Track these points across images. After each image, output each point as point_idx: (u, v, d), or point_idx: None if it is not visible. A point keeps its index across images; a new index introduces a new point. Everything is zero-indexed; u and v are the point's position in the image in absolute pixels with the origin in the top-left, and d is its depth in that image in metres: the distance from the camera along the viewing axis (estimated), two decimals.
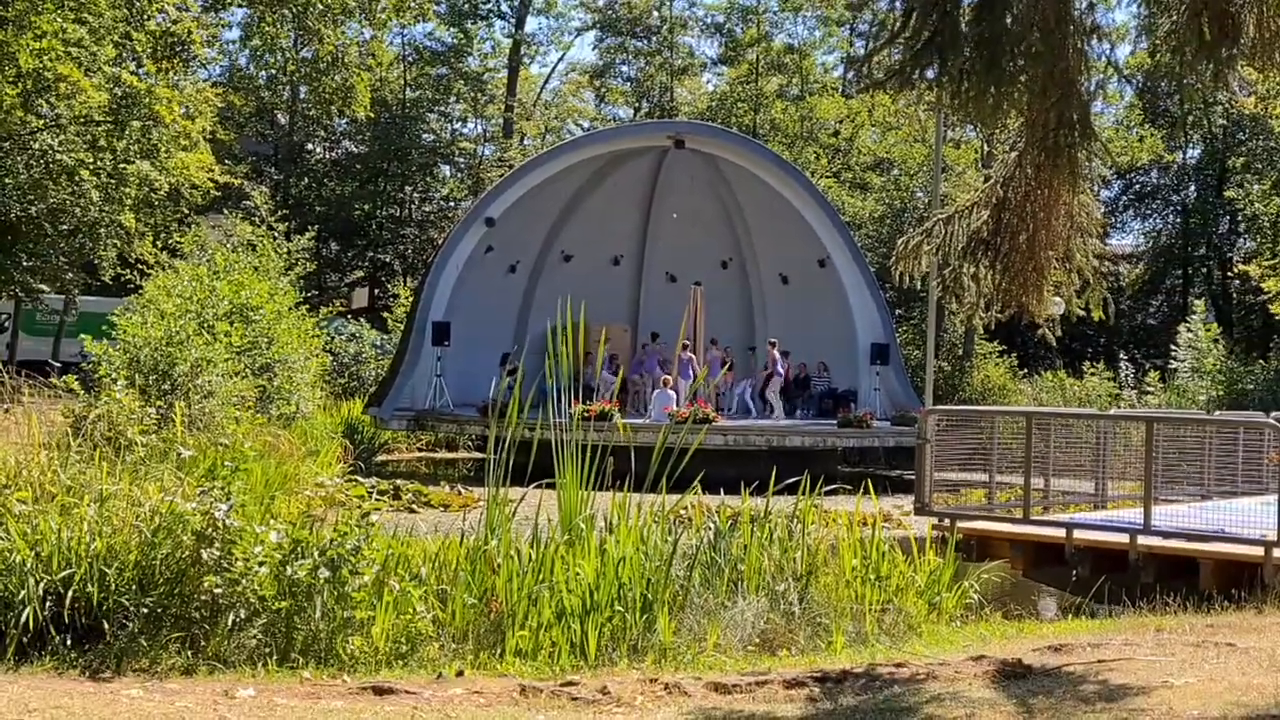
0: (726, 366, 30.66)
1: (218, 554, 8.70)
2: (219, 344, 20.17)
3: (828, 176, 49.10)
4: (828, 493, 12.86)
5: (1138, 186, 53.96)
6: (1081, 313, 10.42)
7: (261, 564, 8.71)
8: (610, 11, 58.02)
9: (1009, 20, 7.15)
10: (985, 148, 43.55)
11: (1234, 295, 50.86)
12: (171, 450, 13.16)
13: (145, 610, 8.54)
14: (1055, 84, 7.32)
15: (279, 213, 33.75)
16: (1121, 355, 43.34)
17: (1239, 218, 46.73)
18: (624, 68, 59.81)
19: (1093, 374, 40.46)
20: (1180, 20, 8.08)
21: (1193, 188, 52.17)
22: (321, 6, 14.29)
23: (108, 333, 19.48)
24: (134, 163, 28.32)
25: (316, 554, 8.82)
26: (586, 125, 58.18)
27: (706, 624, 9.71)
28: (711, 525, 11.40)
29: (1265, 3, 8.73)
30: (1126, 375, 41.11)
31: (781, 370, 31.82)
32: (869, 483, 14.49)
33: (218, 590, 8.55)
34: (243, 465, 10.86)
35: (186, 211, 33.28)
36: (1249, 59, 9.22)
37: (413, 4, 15.73)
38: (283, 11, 14.50)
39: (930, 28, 7.35)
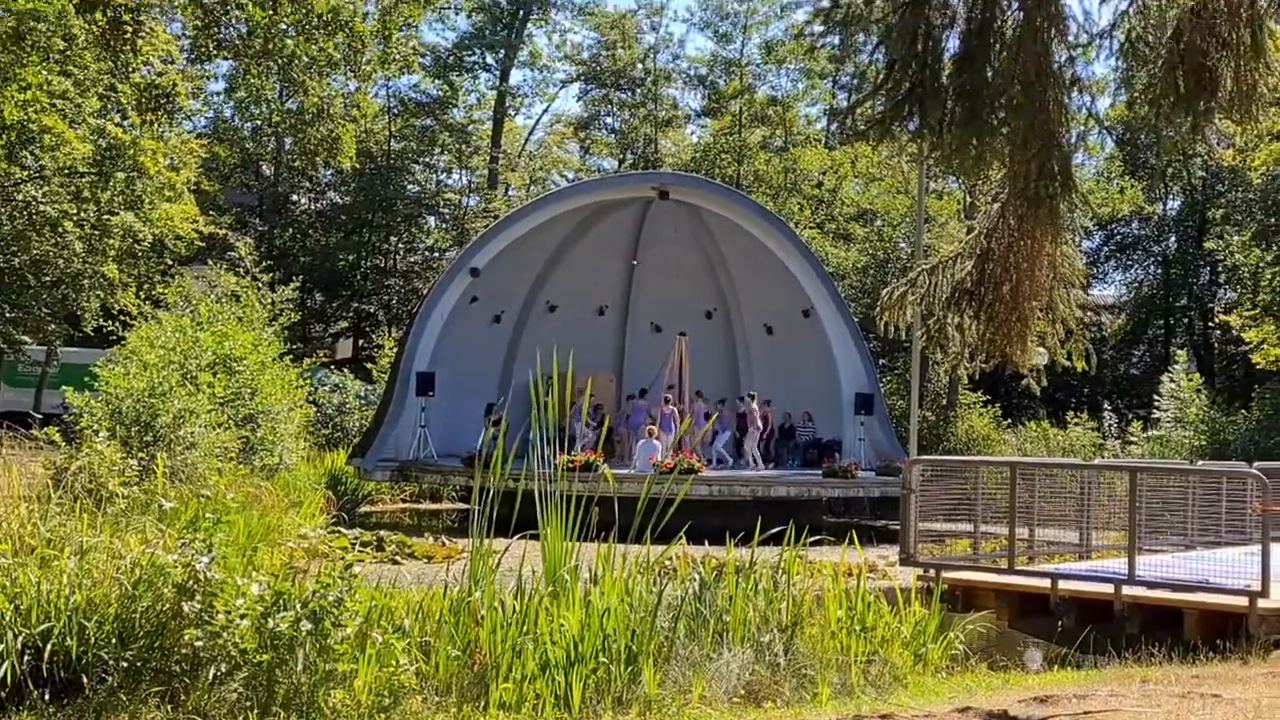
0: (713, 418, 30.62)
1: (199, 607, 8.63)
2: (202, 395, 20.13)
3: (811, 227, 49.30)
4: (813, 543, 12.82)
5: (1119, 237, 54.33)
6: (1066, 363, 10.45)
7: (243, 616, 8.63)
8: (595, 64, 58.43)
9: (989, 73, 7.21)
10: (968, 199, 43.83)
11: (1215, 345, 51.12)
12: (153, 502, 13.09)
13: (125, 664, 8.46)
14: (1036, 135, 7.38)
15: (263, 263, 33.78)
16: (1105, 405, 43.48)
17: (1219, 268, 47.05)
18: (608, 119, 60.19)
19: (1076, 424, 40.57)
20: (1158, 73, 8.17)
21: (1173, 239, 52.57)
22: (307, 59, 14.34)
23: (90, 384, 19.43)
24: (118, 214, 28.35)
25: (299, 606, 8.75)
26: (571, 176, 58.43)
27: (691, 675, 9.65)
28: (696, 576, 11.36)
29: (1242, 56, 8.83)
30: (1110, 425, 41.24)
31: (760, 423, 31.79)
32: (854, 533, 14.47)
33: (199, 643, 8.47)
34: (225, 517, 10.80)
35: (170, 262, 33.27)
36: (1226, 112, 9.31)
37: (398, 56, 15.78)
38: (268, 64, 14.54)
39: (911, 79, 7.41)
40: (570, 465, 20.41)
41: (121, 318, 28.74)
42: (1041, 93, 7.29)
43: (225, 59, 16.04)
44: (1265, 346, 36.82)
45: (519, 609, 9.81)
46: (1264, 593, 11.79)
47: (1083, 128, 8.79)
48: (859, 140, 8.18)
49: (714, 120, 58.04)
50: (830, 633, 10.89)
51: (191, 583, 8.74)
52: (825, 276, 34.94)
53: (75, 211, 27.25)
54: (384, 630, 9.08)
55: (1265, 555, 11.93)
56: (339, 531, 20.69)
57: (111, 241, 28.59)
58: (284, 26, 13.88)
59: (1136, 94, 8.61)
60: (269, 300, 29.80)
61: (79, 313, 30.69)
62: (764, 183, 51.88)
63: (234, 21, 13.56)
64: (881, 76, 7.53)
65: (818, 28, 7.91)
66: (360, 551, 10.20)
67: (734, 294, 36.07)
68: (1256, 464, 17.81)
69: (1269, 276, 37.19)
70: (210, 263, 35.95)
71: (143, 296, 30.48)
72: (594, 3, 58.85)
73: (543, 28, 57.80)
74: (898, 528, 15.98)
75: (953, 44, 7.60)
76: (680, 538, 11.46)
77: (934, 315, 10.52)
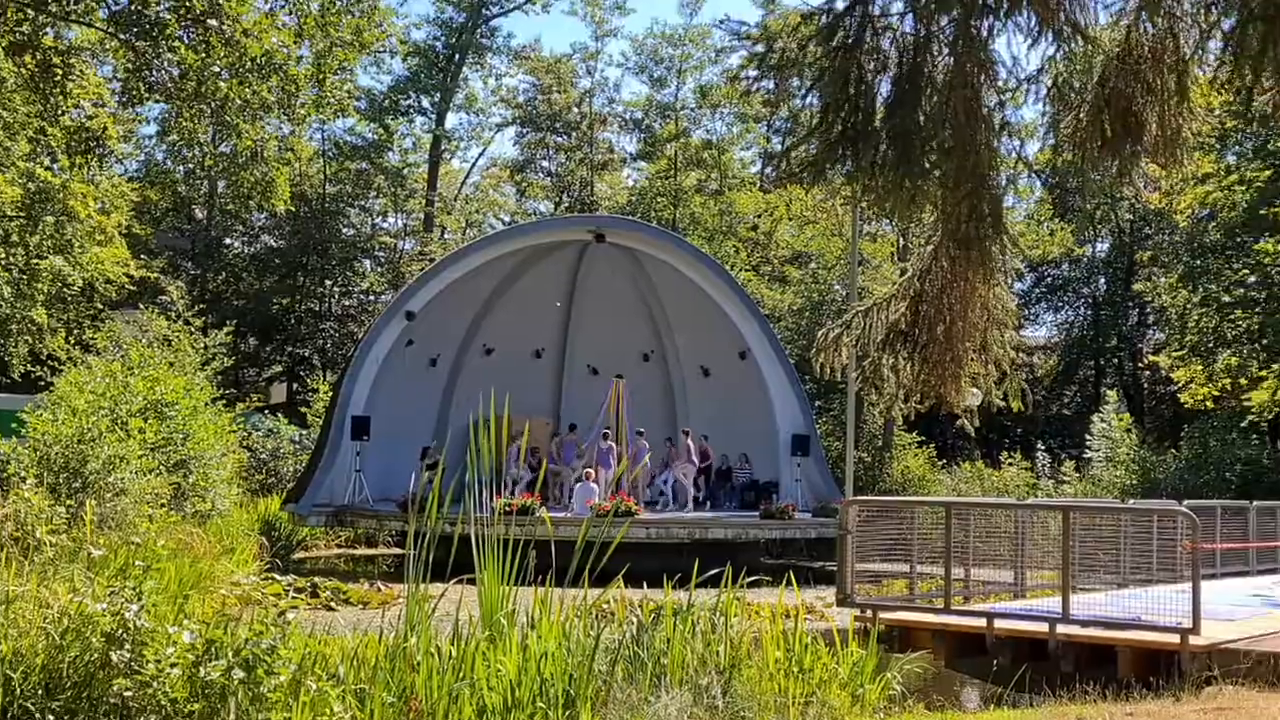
0: (646, 456, 30.60)
1: (128, 656, 8.46)
2: (132, 441, 19.84)
3: (747, 270, 49.63)
4: (750, 585, 12.80)
5: (1049, 279, 55.13)
6: (1001, 403, 10.55)
7: (174, 665, 8.47)
8: (530, 107, 58.60)
9: (921, 116, 7.30)
10: (901, 241, 44.34)
11: (1145, 385, 51.92)
12: (82, 550, 12.87)
13: (52, 715, 8.27)
14: (967, 178, 7.47)
15: (196, 307, 33.44)
16: (1038, 445, 43.98)
17: (1148, 310, 47.87)
18: (544, 162, 60.39)
19: (1010, 464, 40.99)
20: (1084, 118, 8.31)
21: (1102, 280, 53.42)
22: (240, 102, 14.27)
23: (17, 430, 19.11)
24: (47, 258, 28.02)
25: (231, 654, 8.60)
26: (507, 219, 58.48)
27: (630, 719, 9.59)
28: (634, 619, 11.30)
29: (1166, 102, 9.00)
30: (1043, 465, 41.73)
31: (698, 458, 31.83)
32: (791, 574, 14.46)
33: (128, 693, 8.30)
34: (155, 565, 10.62)
35: (100, 307, 32.91)
36: (1151, 156, 9.48)
37: (333, 100, 15.75)
38: (201, 108, 14.45)
39: (844, 122, 7.49)
40: (507, 508, 20.33)
41: (50, 363, 28.33)
42: (971, 136, 7.39)
43: (157, 102, 15.95)
44: (1193, 386, 37.43)
45: (455, 654, 9.71)
46: (1195, 630, 11.90)
47: (1012, 170, 8.91)
48: (793, 183, 8.23)
49: (650, 163, 58.41)
50: (768, 674, 10.85)
51: (121, 631, 8.57)
52: (761, 319, 35.14)
53: (3, 255, 26.89)
54: (318, 678, 8.95)
55: (1195, 593, 12.05)
56: (272, 578, 20.53)
57: (40, 285, 28.25)
58: (217, 70, 13.82)
59: (1064, 138, 8.74)
60: (201, 345, 29.49)
61: (6, 358, 30.25)
62: (700, 225, 52.21)
63: (166, 65, 13.48)
64: (815, 120, 7.60)
65: (752, 72, 7.98)
66: (295, 598, 10.04)
67: (670, 336, 36.17)
68: (1186, 503, 18.07)
69: (1196, 317, 37.83)
70: (141, 307, 35.57)
71: (72, 341, 30.08)
72: (529, 47, 59.14)
73: (478, 71, 57.97)
74: (834, 569, 16.01)
75: (885, 88, 7.70)
76: (618, 581, 11.40)
77: (869, 356, 10.60)
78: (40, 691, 8.40)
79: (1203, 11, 7.55)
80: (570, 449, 31.48)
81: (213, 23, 12.67)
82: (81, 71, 15.39)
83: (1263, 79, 6.67)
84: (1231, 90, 7.93)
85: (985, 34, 7.90)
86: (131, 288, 33.87)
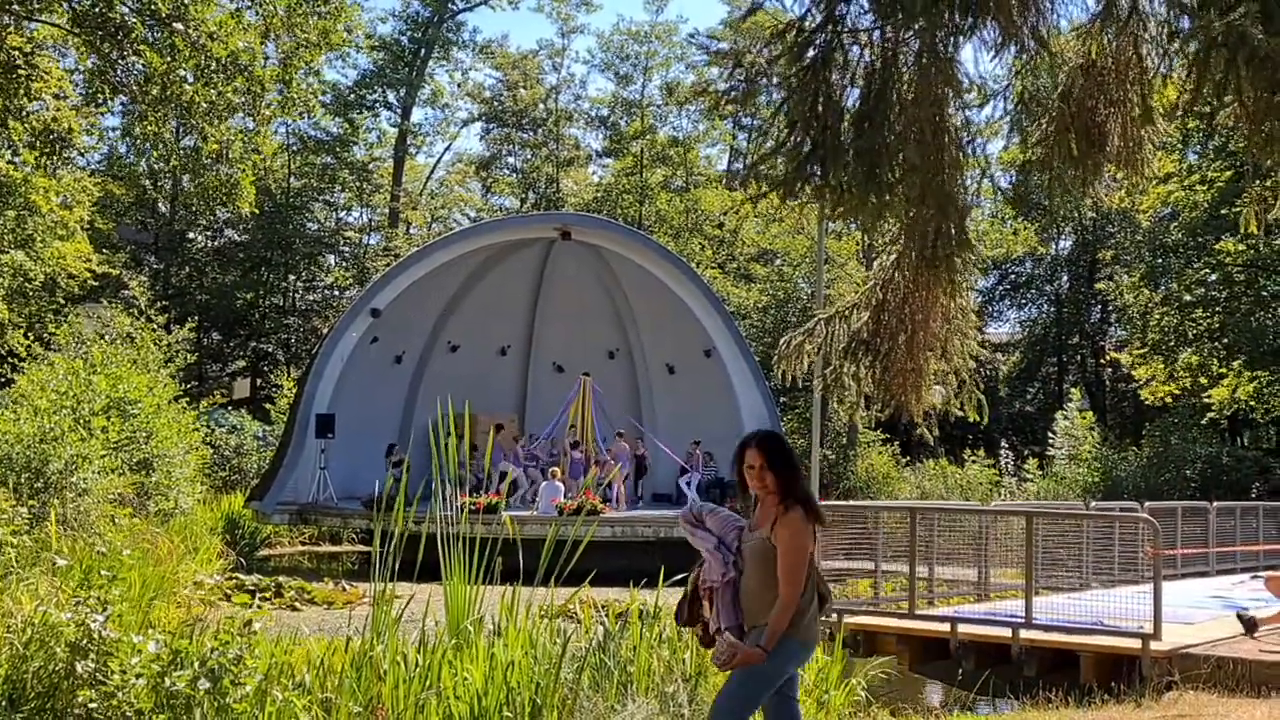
0: (611, 459, 30.64)
1: (93, 666, 8.43)
2: (95, 440, 19.70)
3: (713, 267, 49.72)
4: None
5: (1013, 276, 55.48)
6: (959, 413, 10.63)
7: (139, 676, 8.45)
8: (496, 103, 58.48)
9: (888, 133, 7.35)
10: (866, 240, 44.49)
11: (1107, 383, 52.32)
12: (44, 551, 12.79)
13: None
14: (932, 195, 7.53)
15: (159, 303, 33.22)
16: (1002, 443, 44.27)
17: (1110, 308, 48.22)
18: (510, 158, 60.29)
19: (974, 462, 41.24)
20: (1050, 132, 8.38)
21: (1065, 278, 53.80)
22: (205, 104, 14.18)
23: None
24: (8, 252, 27.78)
25: (196, 664, 8.58)
26: (473, 215, 58.35)
27: None
28: (601, 624, 11.32)
29: (1129, 114, 9.09)
30: (1007, 463, 42.00)
31: (629, 461, 31.73)
32: None
33: (92, 704, 8.27)
34: (120, 573, 10.57)
35: (62, 302, 32.63)
36: (1114, 164, 9.57)
37: (298, 100, 15.68)
38: (165, 110, 14.35)
39: (813, 139, 7.53)
40: (473, 508, 20.31)
41: (10, 360, 28.08)
42: (937, 153, 7.45)
43: (122, 97, 15.83)
44: (1154, 383, 37.78)
45: (422, 663, 9.71)
46: (1156, 635, 12.04)
47: (977, 186, 8.98)
48: (761, 200, 8.26)
49: (616, 160, 58.41)
50: None
51: (85, 641, 8.54)
52: (727, 316, 35.22)
53: None
54: (284, 687, 8.94)
55: (1157, 599, 12.19)
56: (236, 577, 20.45)
57: (1, 280, 27.97)
58: (182, 72, 13.73)
59: (1029, 151, 8.82)
60: (164, 342, 29.31)
61: None
62: (666, 223, 52.27)
63: (131, 67, 13.39)
64: (783, 135, 7.64)
65: (721, 85, 8.00)
66: (259, 599, 10.01)
67: (636, 334, 36.20)
68: (1148, 505, 18.27)
69: (1157, 316, 38.18)
70: (104, 302, 35.33)
71: (32, 337, 29.81)
72: (496, 42, 59.02)
73: (445, 66, 57.81)
74: None
75: (852, 103, 7.74)
76: (585, 585, 11.42)
77: (831, 364, 10.65)
78: (4, 702, 8.37)
79: (1165, 36, 7.63)
80: (577, 464, 30.91)
81: (179, 26, 12.60)
82: (47, 70, 15.26)
83: (1224, 101, 6.76)
84: (1193, 113, 8.02)
85: (951, 49, 7.95)
86: (94, 282, 33.61)
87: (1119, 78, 9.06)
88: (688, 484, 32.16)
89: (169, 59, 13.17)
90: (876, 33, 7.75)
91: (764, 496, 6.47)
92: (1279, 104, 6.55)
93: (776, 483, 6.41)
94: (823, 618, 7.00)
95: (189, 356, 32.01)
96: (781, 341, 11.24)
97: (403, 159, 56.18)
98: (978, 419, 10.55)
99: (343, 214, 56.41)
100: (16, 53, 12.85)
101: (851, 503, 25.88)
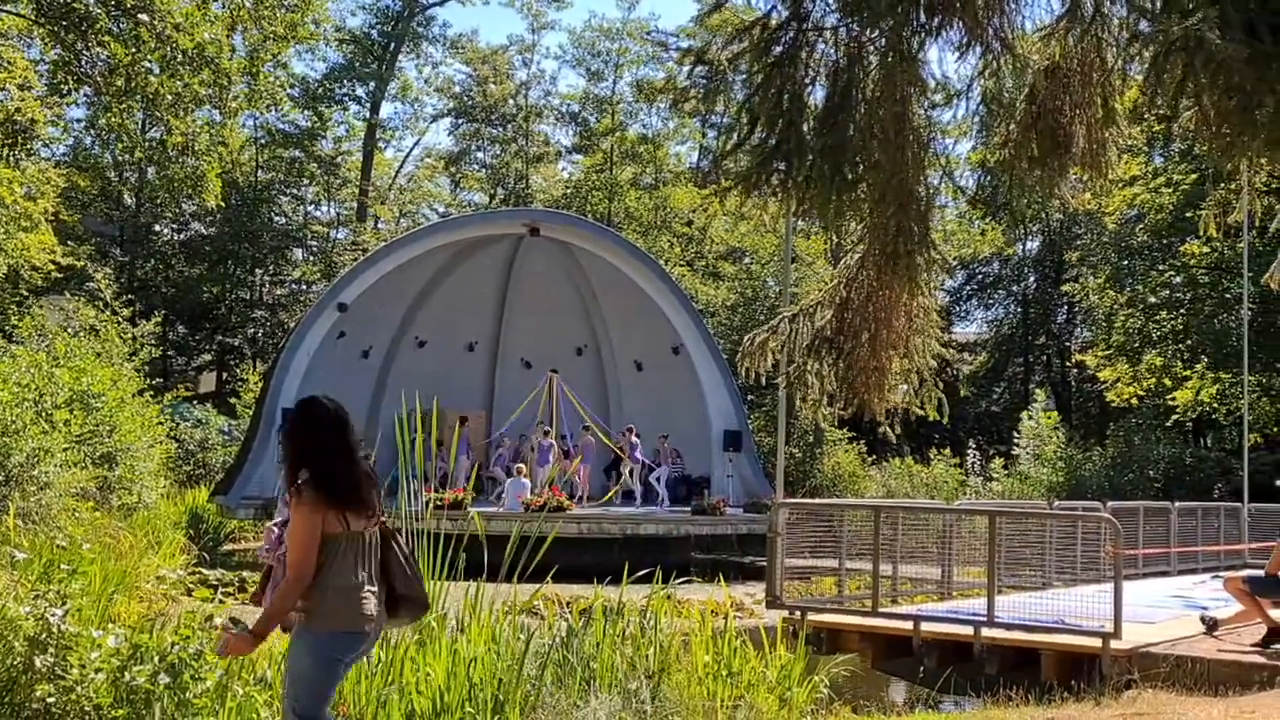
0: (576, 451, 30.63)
1: (52, 660, 8.38)
2: (57, 433, 19.56)
3: (681, 265, 49.77)
4: (682, 582, 12.88)
5: (981, 277, 55.74)
6: (920, 412, 10.68)
7: (98, 670, 8.40)
8: (466, 98, 58.34)
9: (852, 131, 7.38)
10: (834, 238, 44.59)
11: (1072, 383, 52.65)
12: (4, 545, 12.68)
13: None
14: (894, 192, 7.57)
15: (124, 296, 33.02)
16: (968, 442, 44.48)
17: (1076, 309, 48.51)
18: (480, 154, 60.17)
19: (940, 460, 41.42)
20: (1014, 133, 8.43)
21: (1032, 279, 54.09)
22: (171, 96, 14.10)
23: None
24: None
25: (157, 659, 8.54)
26: (441, 210, 58.22)
27: None
28: (564, 620, 11.33)
29: (1093, 116, 9.16)
30: (973, 462, 42.21)
31: (588, 458, 31.73)
32: (722, 573, 14.56)
33: (50, 699, 8.22)
34: (80, 567, 10.49)
35: (26, 294, 32.36)
36: (1079, 166, 9.64)
37: (265, 93, 15.60)
38: (130, 102, 14.26)
39: (778, 136, 7.55)
40: (439, 503, 20.28)
41: None
42: (900, 151, 7.48)
43: (87, 88, 15.71)
44: (1119, 385, 38.05)
45: (384, 659, 9.69)
46: (1116, 634, 12.11)
47: (939, 185, 9.02)
48: (725, 195, 8.27)
49: (585, 157, 58.39)
50: (697, 678, 10.92)
51: (44, 636, 8.49)
52: (695, 314, 35.26)
53: None
54: (245, 682, 8.90)
55: (1118, 598, 12.26)
56: (199, 572, 20.33)
57: None
58: (148, 64, 13.63)
59: (995, 153, 8.87)
60: (129, 335, 29.11)
61: None
62: (635, 220, 52.28)
63: (95, 58, 13.29)
64: (746, 131, 7.66)
65: (685, 81, 8.02)
66: (221, 594, 9.97)
67: (605, 331, 36.22)
68: (1110, 504, 18.39)
69: (1123, 318, 38.45)
70: (68, 294, 35.08)
71: None
72: (466, 37, 58.87)
73: (414, 61, 57.64)
74: (765, 563, 16.12)
75: (817, 101, 7.76)
76: (547, 581, 11.42)
77: (794, 362, 10.68)
78: None
79: (1125, 37, 7.68)
80: (546, 451, 30.94)
81: (144, 17, 12.52)
82: (11, 60, 15.14)
83: (1181, 107, 6.81)
84: (1154, 116, 8.08)
85: (916, 49, 7.98)
86: (58, 274, 33.36)
87: (1083, 80, 9.12)
88: (657, 479, 32.21)
89: (134, 50, 13.08)
90: (842, 30, 7.78)
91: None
92: (1236, 109, 6.61)
93: (291, 459, 6.07)
94: (403, 619, 6.62)
95: (154, 350, 31.83)
96: (745, 339, 11.27)
97: (371, 153, 56.01)
98: (938, 417, 10.59)
99: (310, 208, 56.21)
100: None
101: (816, 500, 25.97)
